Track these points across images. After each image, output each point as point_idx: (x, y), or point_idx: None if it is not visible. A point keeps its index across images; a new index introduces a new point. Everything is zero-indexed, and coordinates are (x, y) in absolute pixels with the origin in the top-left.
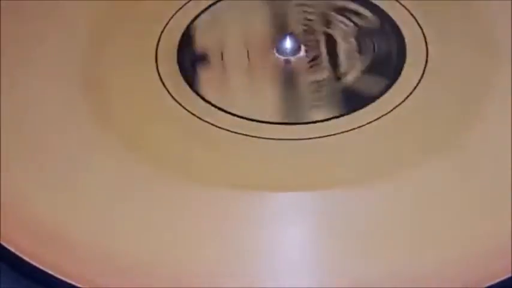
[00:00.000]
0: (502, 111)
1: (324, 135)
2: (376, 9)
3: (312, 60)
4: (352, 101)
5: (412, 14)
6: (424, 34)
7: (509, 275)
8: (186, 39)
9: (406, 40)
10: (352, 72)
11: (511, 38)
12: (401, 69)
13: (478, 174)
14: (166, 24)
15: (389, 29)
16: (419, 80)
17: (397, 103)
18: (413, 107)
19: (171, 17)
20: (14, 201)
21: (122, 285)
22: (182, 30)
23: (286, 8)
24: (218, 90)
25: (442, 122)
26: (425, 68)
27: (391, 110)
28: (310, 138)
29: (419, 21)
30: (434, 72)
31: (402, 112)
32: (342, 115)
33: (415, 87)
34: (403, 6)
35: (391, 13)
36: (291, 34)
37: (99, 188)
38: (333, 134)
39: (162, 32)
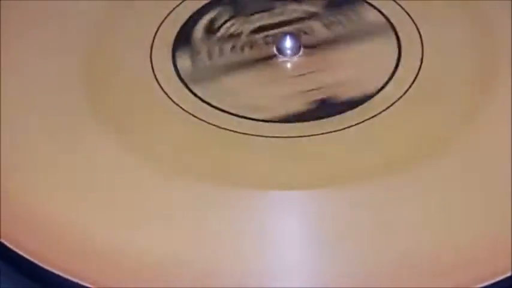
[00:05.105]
0: (501, 111)
1: (320, 132)
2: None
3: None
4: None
5: (408, 14)
6: (420, 34)
7: (509, 275)
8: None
9: (402, 39)
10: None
11: (510, 37)
12: (396, 67)
13: (477, 175)
14: (162, 22)
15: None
16: (414, 79)
17: (393, 101)
18: (411, 107)
19: (167, 16)
20: (14, 200)
21: (122, 283)
22: (177, 29)
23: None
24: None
25: (438, 122)
26: (420, 66)
27: (387, 108)
28: (307, 135)
29: (415, 21)
30: (430, 71)
31: (400, 112)
32: (338, 114)
33: (409, 87)
34: (400, 5)
35: (387, 12)
36: (291, 34)
37: (99, 186)
38: (330, 131)
39: (157, 30)
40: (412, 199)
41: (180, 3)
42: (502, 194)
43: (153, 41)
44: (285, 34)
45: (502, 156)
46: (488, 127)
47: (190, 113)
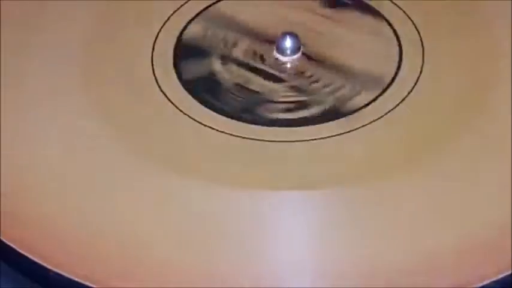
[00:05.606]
0: (501, 111)
1: (324, 136)
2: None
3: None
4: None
5: (407, 15)
6: (419, 34)
7: (508, 273)
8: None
9: (402, 43)
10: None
11: (510, 38)
12: (398, 68)
13: (478, 174)
14: (164, 24)
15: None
16: (415, 83)
17: (396, 103)
18: (412, 108)
19: (169, 17)
20: (14, 200)
21: (122, 283)
22: (179, 31)
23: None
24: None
25: (440, 122)
26: (422, 68)
27: (391, 110)
28: (310, 140)
29: (415, 22)
30: (431, 73)
31: (402, 112)
32: (342, 116)
33: (411, 89)
34: (398, 6)
35: (386, 14)
36: (291, 34)
37: (99, 187)
38: (332, 136)
39: (159, 32)
40: (412, 199)
41: (185, 3)
42: (502, 194)
43: (155, 43)
44: (284, 34)
45: (502, 157)
46: (490, 127)
47: (190, 116)
